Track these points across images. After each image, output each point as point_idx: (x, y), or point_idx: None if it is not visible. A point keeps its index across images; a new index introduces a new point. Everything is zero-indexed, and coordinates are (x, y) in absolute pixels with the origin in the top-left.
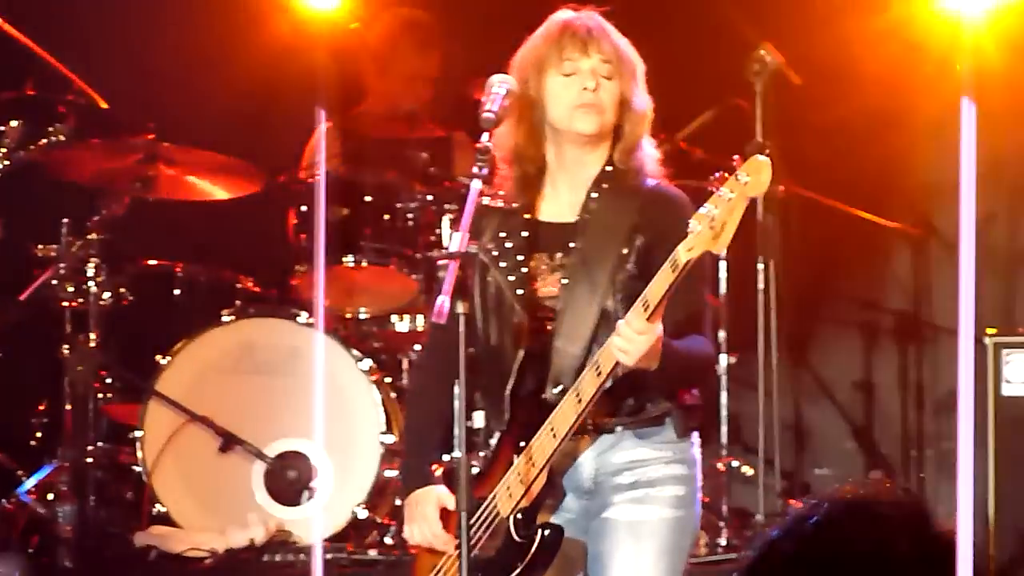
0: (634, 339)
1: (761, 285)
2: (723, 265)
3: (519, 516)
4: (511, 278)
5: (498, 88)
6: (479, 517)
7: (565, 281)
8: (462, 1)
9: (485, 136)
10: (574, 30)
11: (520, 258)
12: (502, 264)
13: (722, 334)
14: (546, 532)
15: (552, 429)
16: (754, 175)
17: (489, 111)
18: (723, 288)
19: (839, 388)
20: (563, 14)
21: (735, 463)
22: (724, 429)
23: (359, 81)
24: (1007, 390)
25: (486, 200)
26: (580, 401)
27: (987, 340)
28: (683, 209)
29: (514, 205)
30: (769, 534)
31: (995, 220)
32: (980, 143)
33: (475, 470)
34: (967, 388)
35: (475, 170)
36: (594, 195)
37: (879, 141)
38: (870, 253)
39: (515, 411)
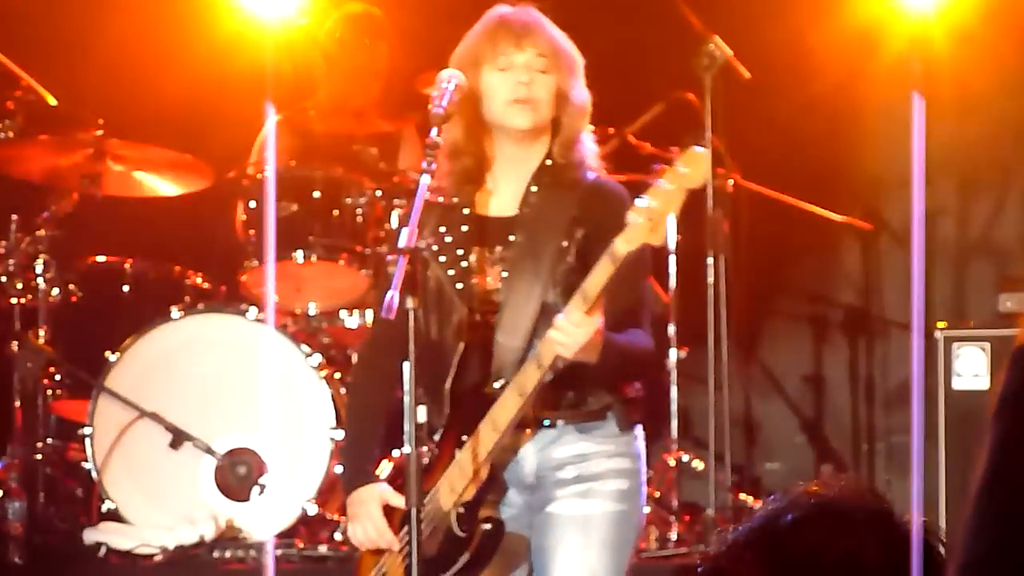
0: (572, 332)
1: (711, 279)
2: (672, 259)
3: (461, 510)
4: (451, 272)
5: (447, 83)
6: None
7: (505, 274)
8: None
9: (434, 131)
10: (508, 25)
11: (460, 252)
12: (442, 259)
13: (672, 328)
14: (487, 526)
15: (493, 423)
16: (692, 167)
17: (438, 106)
18: (672, 282)
19: (789, 382)
20: (499, 9)
21: (685, 457)
22: (674, 423)
23: (308, 77)
24: (957, 383)
25: (427, 195)
26: (520, 395)
27: (937, 334)
28: (623, 202)
29: (454, 200)
30: (734, 535)
31: (944, 213)
32: (929, 137)
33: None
34: (919, 381)
35: (424, 165)
36: (534, 189)
37: (828, 135)
38: (819, 247)
39: (456, 406)
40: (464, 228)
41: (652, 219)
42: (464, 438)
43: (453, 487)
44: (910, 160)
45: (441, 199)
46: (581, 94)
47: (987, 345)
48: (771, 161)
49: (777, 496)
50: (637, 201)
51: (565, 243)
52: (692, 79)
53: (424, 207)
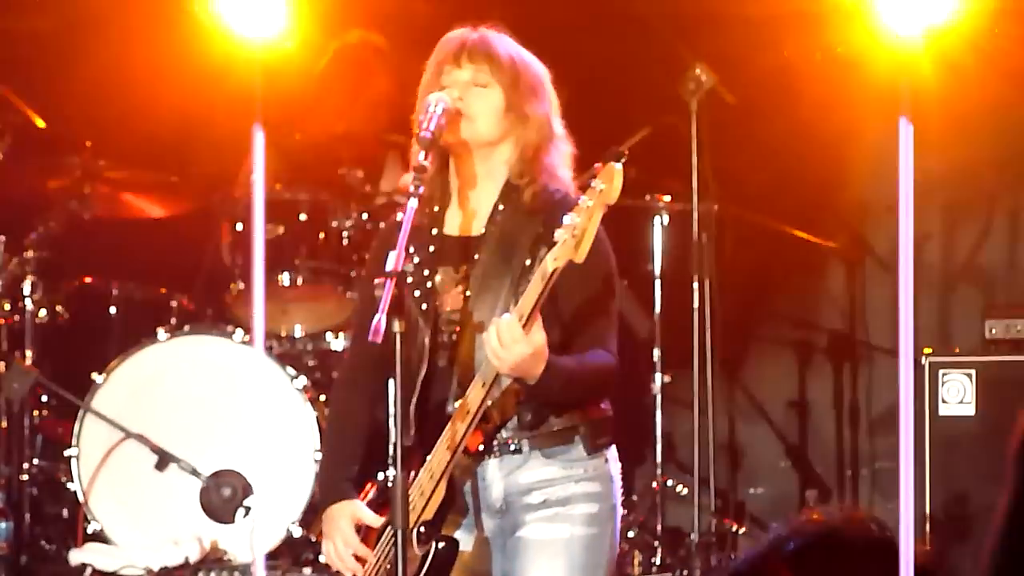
0: (510, 347)
1: (696, 304)
2: (657, 284)
3: (421, 530)
4: (416, 293)
5: (435, 107)
6: (387, 533)
7: (468, 294)
8: (395, 21)
9: (422, 155)
10: (448, 45)
11: (426, 272)
12: (409, 280)
13: (656, 353)
14: (439, 545)
15: (447, 443)
16: (607, 182)
17: (426, 130)
18: (657, 307)
19: (774, 407)
20: (448, 34)
21: (669, 482)
22: (659, 448)
23: (295, 100)
24: (944, 410)
25: (399, 217)
26: (468, 412)
27: (924, 360)
28: None
29: (423, 221)
30: (737, 562)
31: (930, 239)
32: (915, 163)
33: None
34: (908, 407)
35: (412, 188)
36: (501, 207)
37: (814, 160)
38: (805, 272)
39: (421, 426)
40: (431, 248)
41: (576, 235)
42: (428, 458)
43: (414, 506)
44: (895, 186)
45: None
46: (536, 108)
47: (973, 371)
48: (757, 186)
49: (779, 524)
50: (564, 218)
51: (528, 262)
52: (678, 104)
53: (393, 229)
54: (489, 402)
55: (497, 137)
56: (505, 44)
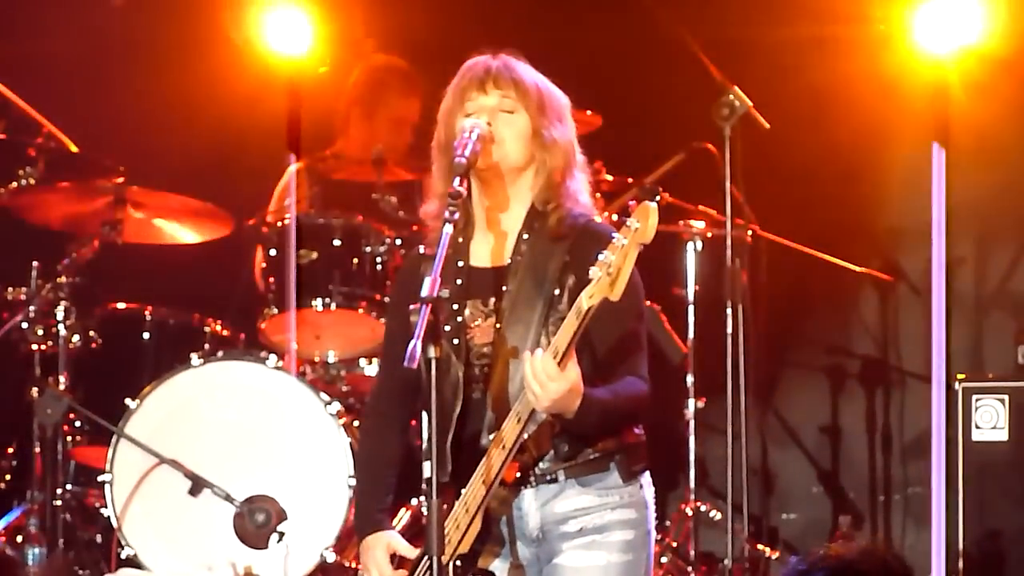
0: (546, 384)
1: (729, 329)
2: (691, 310)
3: (457, 563)
4: (447, 328)
5: (469, 133)
6: (422, 564)
7: (499, 326)
8: (427, 47)
9: (456, 181)
10: (473, 71)
11: (455, 307)
12: (440, 314)
13: (690, 378)
14: None
15: (482, 476)
16: (642, 221)
17: (461, 156)
18: (691, 332)
19: (806, 433)
20: (470, 60)
21: (703, 507)
22: (692, 473)
23: (329, 125)
24: (977, 435)
25: (421, 249)
26: (504, 448)
27: (957, 385)
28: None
29: (448, 252)
30: None
31: (963, 264)
32: (948, 187)
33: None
34: (940, 433)
35: (447, 215)
36: (525, 236)
37: (847, 186)
38: (838, 297)
39: (456, 460)
40: (458, 281)
41: (611, 274)
42: (462, 491)
43: (449, 539)
44: (928, 211)
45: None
46: (560, 133)
47: (1006, 397)
48: (790, 211)
49: (798, 558)
50: (599, 256)
51: (557, 291)
52: (712, 129)
53: (419, 261)
54: (525, 436)
55: (524, 162)
56: (528, 70)
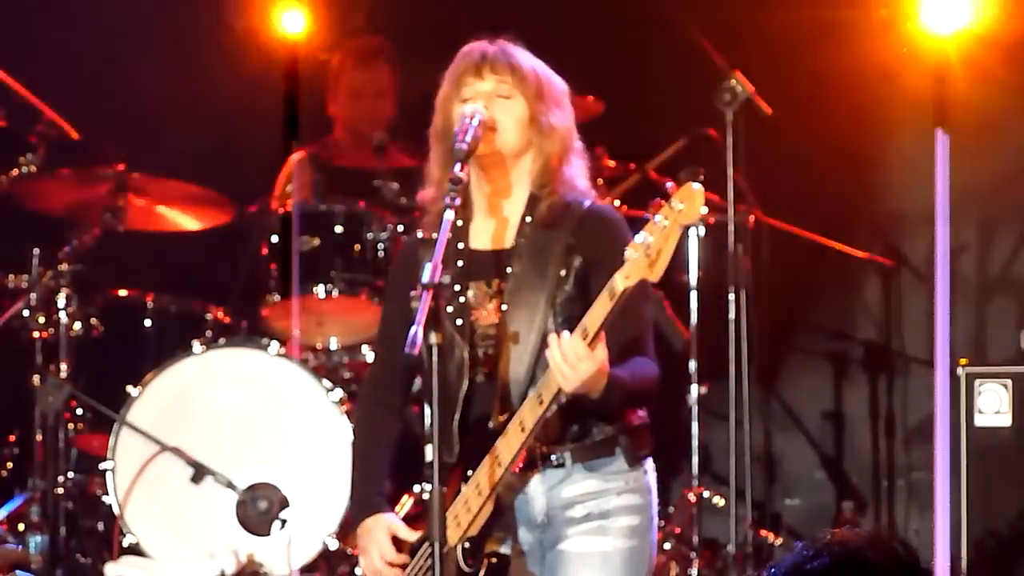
0: (576, 366)
1: (732, 315)
2: (694, 295)
3: (466, 545)
4: (449, 309)
5: (470, 119)
6: (423, 547)
7: (504, 307)
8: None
9: (458, 167)
10: (469, 57)
11: (457, 288)
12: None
13: (693, 364)
14: (493, 560)
15: (496, 458)
16: (687, 203)
17: (462, 142)
18: (694, 318)
19: (809, 418)
20: (467, 46)
21: (706, 493)
22: (695, 459)
23: (327, 111)
24: (980, 420)
25: (419, 234)
26: (523, 429)
27: (960, 370)
28: (618, 228)
29: (448, 236)
30: None
31: (966, 250)
32: (950, 173)
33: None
34: (944, 417)
35: (448, 200)
36: (528, 219)
37: (849, 171)
38: (840, 283)
39: (463, 442)
40: (459, 263)
41: (650, 255)
42: (469, 473)
43: (459, 522)
44: (931, 196)
45: (435, 235)
46: (558, 118)
47: (1009, 382)
48: (792, 197)
49: (804, 543)
50: (635, 237)
51: (563, 272)
52: (714, 115)
53: (418, 245)
54: (548, 416)
55: (521, 148)
56: (525, 55)
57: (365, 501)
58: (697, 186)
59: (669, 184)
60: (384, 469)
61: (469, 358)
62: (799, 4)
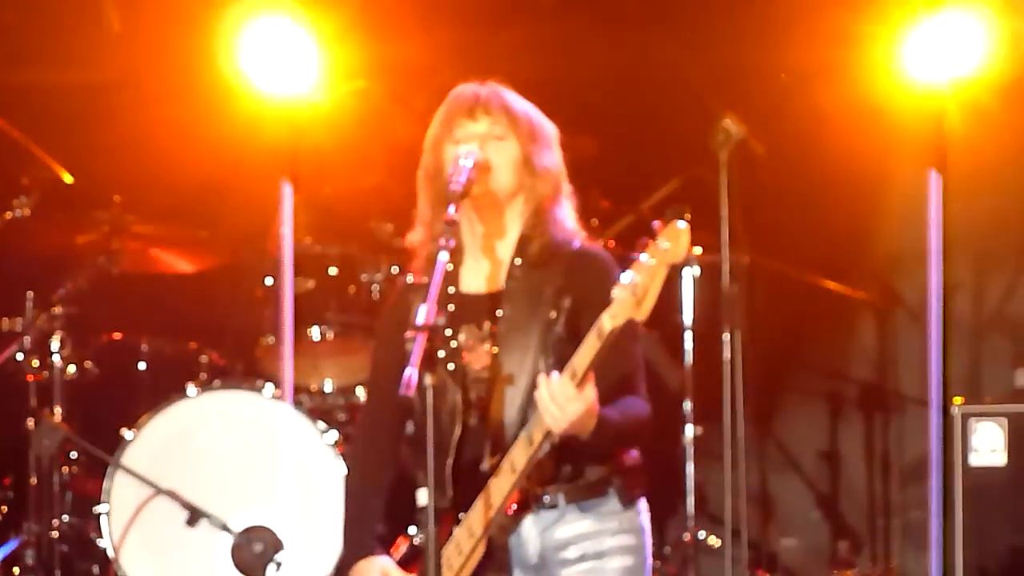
0: (564, 407)
1: (727, 355)
2: (688, 335)
3: None
4: (441, 353)
5: (464, 160)
6: None
7: (496, 350)
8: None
9: (452, 208)
10: (462, 99)
11: (448, 332)
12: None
13: (688, 404)
14: None
15: (487, 500)
16: (673, 241)
17: (456, 183)
18: (689, 358)
19: (805, 458)
20: (457, 88)
21: (702, 534)
22: (690, 500)
23: (324, 155)
24: (974, 459)
25: (410, 279)
26: (514, 470)
27: (955, 409)
28: (608, 269)
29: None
30: None
31: (960, 289)
32: (944, 213)
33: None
34: (937, 457)
35: (442, 242)
36: (518, 261)
37: (843, 211)
38: (835, 323)
39: (455, 485)
40: (450, 307)
41: (636, 295)
42: (461, 516)
43: (450, 564)
44: (925, 236)
45: (426, 280)
46: (549, 160)
47: (1004, 420)
48: (786, 237)
49: None
50: (621, 276)
51: (553, 314)
52: (708, 155)
53: (409, 290)
54: (539, 457)
55: (515, 189)
56: (516, 98)
57: (358, 543)
58: (683, 224)
59: (655, 223)
60: (377, 512)
61: (462, 402)
62: (793, 45)
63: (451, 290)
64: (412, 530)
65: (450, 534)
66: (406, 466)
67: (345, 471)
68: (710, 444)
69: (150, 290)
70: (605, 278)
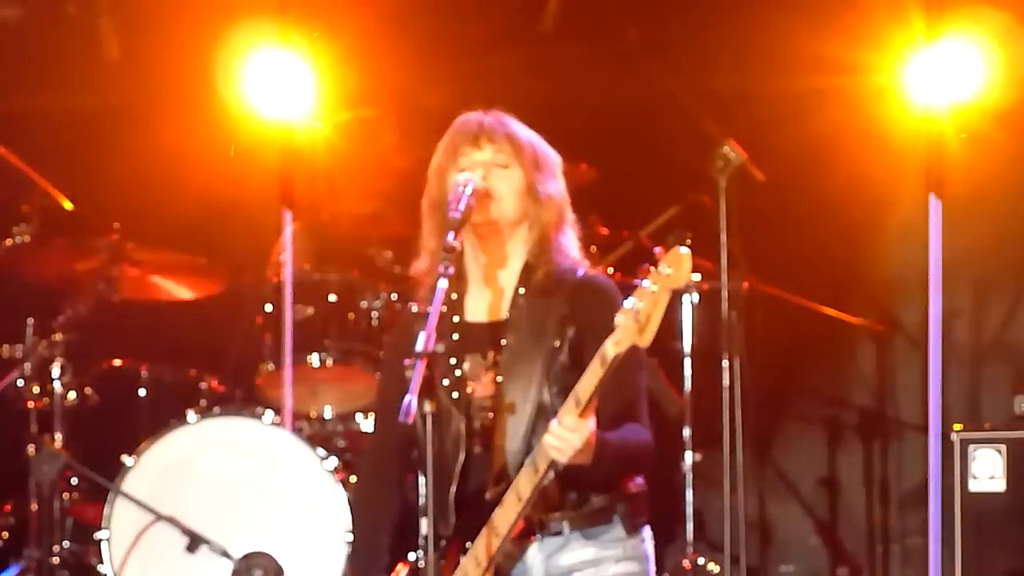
0: (566, 436)
1: (726, 382)
2: (687, 362)
3: None
4: (445, 382)
5: (463, 187)
6: None
7: (500, 379)
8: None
9: (451, 235)
10: (466, 127)
11: (453, 361)
12: (435, 369)
13: (687, 431)
14: None
15: (493, 528)
16: (675, 267)
17: (455, 210)
18: (688, 385)
19: (804, 484)
20: (461, 117)
21: (701, 560)
22: (689, 526)
23: (323, 181)
24: (974, 486)
25: (414, 308)
26: (520, 499)
27: (954, 436)
28: (612, 297)
29: (443, 309)
30: None
31: (959, 315)
32: (943, 239)
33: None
34: (936, 483)
35: (441, 269)
36: (522, 290)
37: (843, 237)
38: (834, 349)
39: (460, 513)
40: (454, 336)
41: (639, 321)
42: (468, 545)
43: None
44: (924, 262)
45: (429, 308)
46: (552, 188)
47: (1003, 447)
48: (786, 263)
49: None
50: (624, 303)
51: (557, 343)
52: (707, 181)
53: (413, 319)
54: (544, 485)
55: (519, 217)
56: (520, 126)
57: (366, 574)
58: (684, 250)
59: (657, 249)
60: (383, 543)
61: (465, 430)
62: (793, 71)
63: (455, 319)
64: (412, 556)
65: (457, 564)
66: (410, 493)
67: (352, 502)
68: (709, 470)
69: (150, 317)
70: (609, 307)
